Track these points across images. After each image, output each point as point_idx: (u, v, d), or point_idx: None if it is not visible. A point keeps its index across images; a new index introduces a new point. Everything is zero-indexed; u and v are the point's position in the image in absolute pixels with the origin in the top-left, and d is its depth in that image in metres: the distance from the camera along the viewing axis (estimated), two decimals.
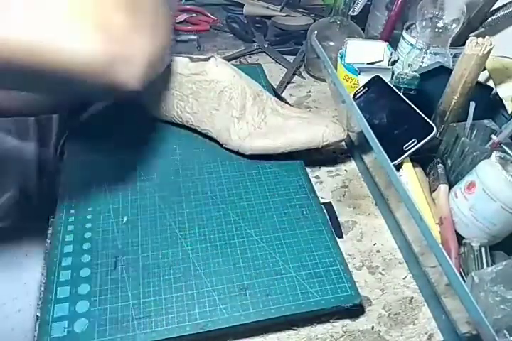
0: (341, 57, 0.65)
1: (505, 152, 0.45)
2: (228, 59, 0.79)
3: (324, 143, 0.54)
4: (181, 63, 0.56)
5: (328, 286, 0.45)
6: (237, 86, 0.55)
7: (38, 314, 0.42)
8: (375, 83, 0.55)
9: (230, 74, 0.55)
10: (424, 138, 0.46)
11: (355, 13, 0.70)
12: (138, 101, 0.59)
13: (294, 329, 0.45)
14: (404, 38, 0.62)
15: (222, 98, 0.55)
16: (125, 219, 0.49)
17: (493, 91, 0.55)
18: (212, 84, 0.55)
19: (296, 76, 0.78)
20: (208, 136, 0.59)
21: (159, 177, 0.54)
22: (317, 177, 0.60)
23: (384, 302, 0.47)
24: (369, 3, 0.73)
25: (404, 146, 0.47)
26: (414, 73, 0.55)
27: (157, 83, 0.56)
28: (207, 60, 0.56)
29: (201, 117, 0.57)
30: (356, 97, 0.55)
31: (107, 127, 0.60)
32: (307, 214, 0.52)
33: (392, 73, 0.60)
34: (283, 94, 0.73)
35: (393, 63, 0.63)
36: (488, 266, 0.43)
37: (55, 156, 0.58)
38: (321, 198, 0.56)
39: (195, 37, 0.84)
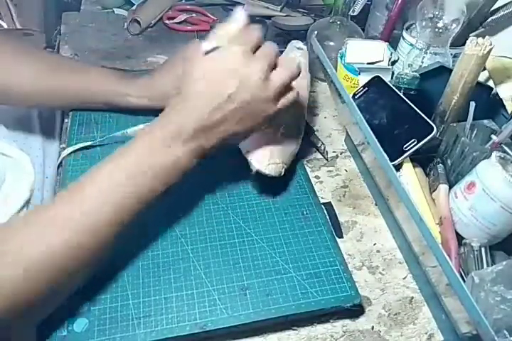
0: (341, 57, 0.65)
1: (505, 152, 0.45)
2: None
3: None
4: None
5: (328, 286, 0.45)
6: None
7: None
8: (375, 83, 0.55)
9: None
10: (424, 138, 0.46)
11: (355, 13, 0.70)
12: None
13: (294, 329, 0.45)
14: (404, 38, 0.62)
15: None
16: None
17: (493, 92, 0.55)
18: None
19: None
20: None
21: None
22: (317, 177, 0.60)
23: (384, 302, 0.47)
24: (369, 3, 0.73)
25: (404, 146, 0.47)
26: (414, 73, 0.55)
27: None
28: None
29: None
30: (356, 97, 0.55)
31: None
32: (307, 214, 0.52)
33: (392, 73, 0.60)
34: None
35: (393, 63, 0.63)
36: (488, 266, 0.43)
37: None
38: (321, 198, 0.56)
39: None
